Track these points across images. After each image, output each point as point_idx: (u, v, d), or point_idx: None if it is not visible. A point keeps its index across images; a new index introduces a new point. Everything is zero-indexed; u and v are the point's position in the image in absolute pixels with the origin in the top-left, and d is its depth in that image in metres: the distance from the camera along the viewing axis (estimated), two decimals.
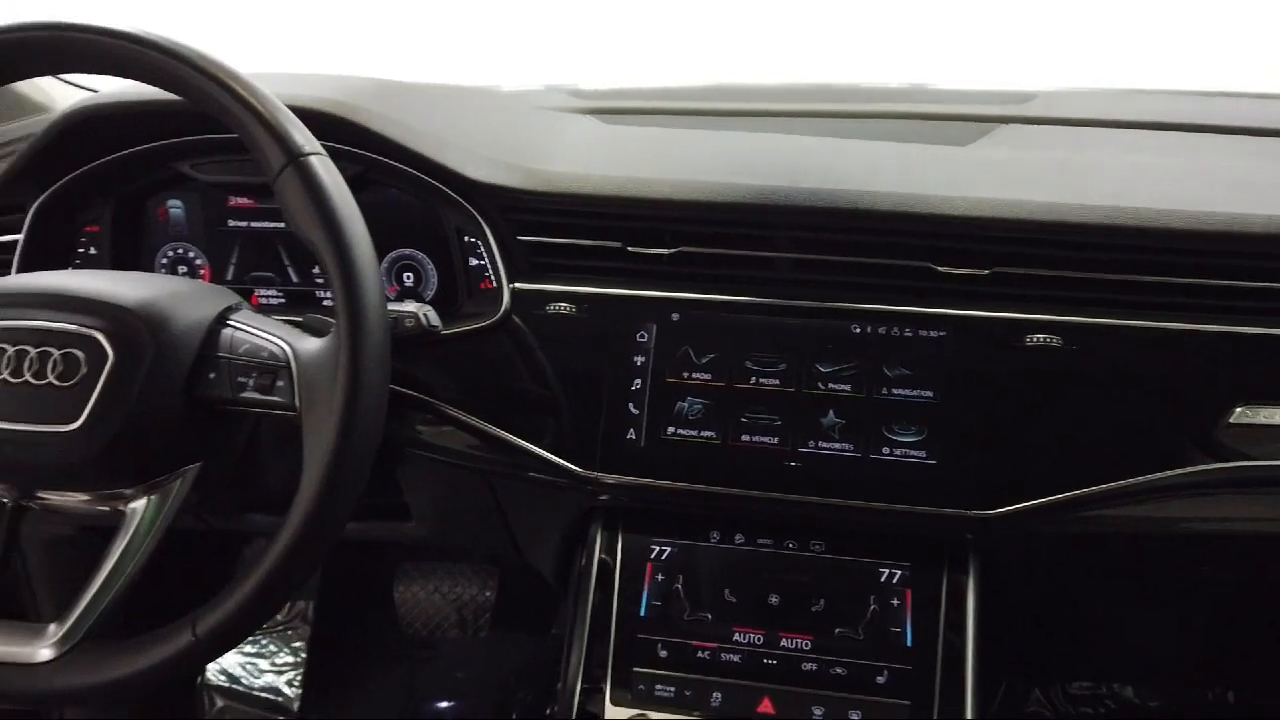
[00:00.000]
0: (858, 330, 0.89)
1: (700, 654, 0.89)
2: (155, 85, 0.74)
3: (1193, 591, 1.05)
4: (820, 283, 0.91)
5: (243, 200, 1.01)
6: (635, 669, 0.89)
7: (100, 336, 0.71)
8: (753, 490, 0.89)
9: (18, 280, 0.78)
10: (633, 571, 0.92)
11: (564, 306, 0.93)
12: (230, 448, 0.82)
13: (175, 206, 1.02)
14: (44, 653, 0.71)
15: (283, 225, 1.01)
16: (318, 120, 0.82)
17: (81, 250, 1.01)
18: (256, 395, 0.73)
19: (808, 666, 0.87)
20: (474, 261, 0.96)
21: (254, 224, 1.02)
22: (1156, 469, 0.84)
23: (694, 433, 0.90)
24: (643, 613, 0.91)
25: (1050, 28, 1.50)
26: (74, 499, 0.78)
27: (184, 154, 0.98)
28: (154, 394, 0.72)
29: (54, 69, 0.79)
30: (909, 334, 0.88)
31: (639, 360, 0.91)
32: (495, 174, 0.94)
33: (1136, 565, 0.99)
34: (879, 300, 0.89)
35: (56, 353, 0.71)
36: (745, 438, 0.89)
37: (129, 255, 1.02)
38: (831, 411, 0.88)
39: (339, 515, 0.70)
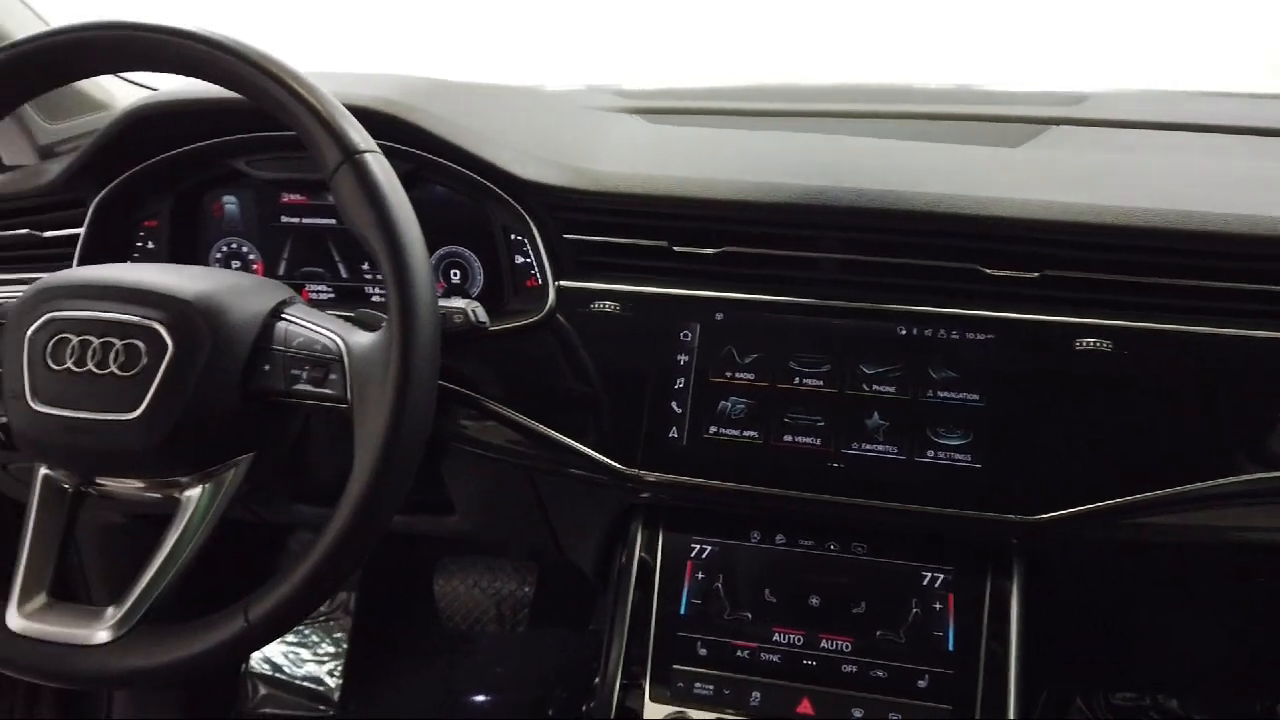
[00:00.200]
0: (903, 332, 0.88)
1: (740, 653, 0.89)
2: (217, 83, 0.76)
3: (1242, 602, 1.03)
4: (865, 284, 0.90)
5: (295, 197, 1.03)
6: (675, 666, 0.89)
7: (161, 328, 0.73)
8: (794, 491, 0.88)
9: (81, 272, 0.80)
10: (673, 569, 0.92)
11: (608, 305, 0.93)
12: (282, 439, 0.83)
13: (230, 202, 1.05)
14: (102, 634, 0.73)
15: (333, 222, 1.03)
16: (371, 118, 0.84)
17: (140, 244, 1.04)
18: (309, 388, 0.74)
19: (848, 668, 0.87)
20: (520, 259, 0.97)
21: (305, 220, 1.04)
22: (1207, 477, 0.82)
23: (736, 432, 0.90)
24: (683, 611, 0.91)
25: (1103, 29, 1.48)
26: (131, 486, 0.80)
27: (240, 151, 1.00)
28: (211, 385, 0.73)
29: (119, 67, 0.81)
30: (955, 336, 0.87)
31: (682, 359, 0.91)
32: (543, 173, 0.95)
33: (1184, 574, 0.98)
34: (925, 302, 0.88)
35: (119, 343, 0.73)
36: (788, 438, 0.89)
37: (186, 249, 1.05)
38: (875, 413, 0.88)
39: (389, 507, 0.72)
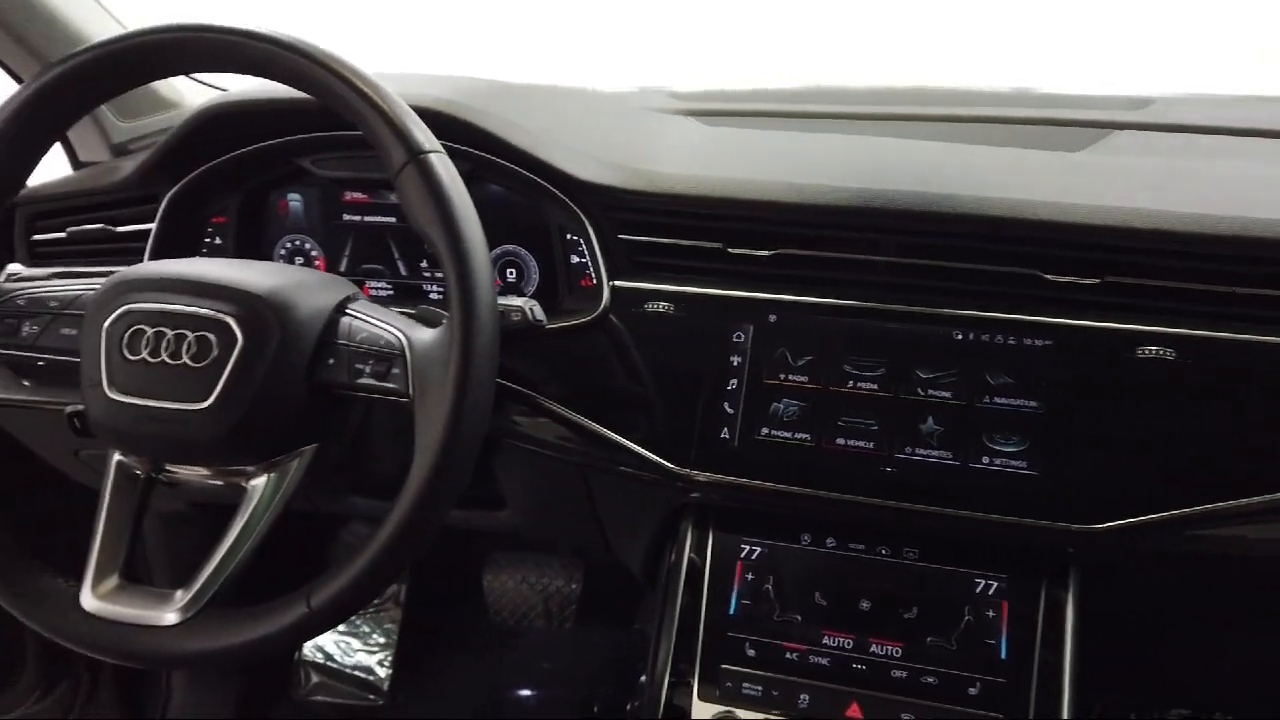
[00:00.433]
0: (959, 336, 0.88)
1: (789, 655, 0.89)
2: (287, 84, 0.78)
3: None
4: (921, 287, 0.90)
5: (357, 195, 1.05)
6: (723, 666, 0.90)
7: (231, 321, 0.75)
8: (846, 494, 0.88)
9: (157, 266, 0.82)
10: (722, 570, 0.93)
11: (662, 305, 0.94)
12: (344, 431, 0.85)
13: (295, 200, 1.07)
14: (170, 617, 0.76)
15: (393, 220, 1.05)
16: (432, 118, 0.85)
17: (208, 239, 1.07)
18: (372, 381, 0.76)
19: (897, 673, 0.87)
20: (575, 259, 0.98)
21: (366, 218, 1.06)
22: (1272, 489, 0.80)
23: (788, 434, 0.90)
24: (732, 611, 0.91)
25: (1168, 32, 1.45)
26: (199, 473, 0.82)
27: (305, 150, 1.03)
28: (278, 376, 0.75)
29: (194, 68, 0.83)
30: (1013, 342, 0.87)
31: (735, 360, 0.92)
32: (599, 173, 0.96)
33: (1247, 588, 0.95)
34: (982, 306, 0.88)
35: (191, 335, 0.75)
36: (840, 441, 0.89)
37: (251, 245, 1.08)
38: (930, 418, 0.87)
39: (448, 499, 0.73)
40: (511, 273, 1.03)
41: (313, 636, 0.78)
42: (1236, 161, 0.97)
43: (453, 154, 0.77)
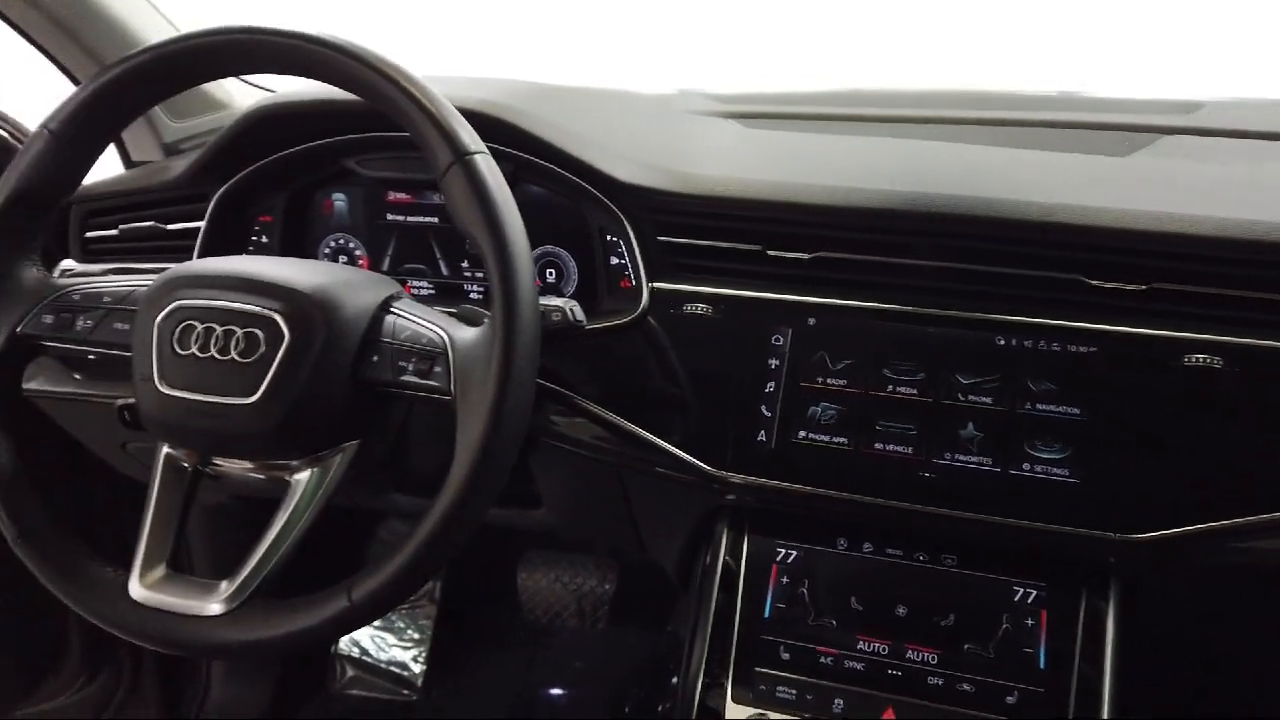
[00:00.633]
0: (1001, 342, 0.87)
1: (823, 659, 0.89)
2: (336, 85, 0.79)
3: None
4: (963, 292, 0.89)
5: (400, 196, 1.07)
6: (757, 669, 0.90)
7: (279, 318, 0.76)
8: (883, 499, 0.88)
9: (206, 264, 0.84)
10: (758, 572, 0.93)
11: (701, 307, 0.94)
12: (386, 428, 0.86)
13: (339, 200, 1.09)
14: (215, 607, 0.77)
15: (436, 220, 1.06)
16: (477, 120, 0.86)
17: (255, 238, 1.09)
18: (415, 379, 0.77)
19: (933, 680, 0.86)
20: (615, 260, 0.98)
21: (409, 218, 1.07)
22: None
23: (826, 438, 0.90)
24: (766, 614, 0.91)
25: (1218, 36, 1.42)
26: (244, 467, 0.84)
27: (351, 151, 1.04)
28: (323, 373, 0.76)
29: (245, 70, 0.85)
30: (1056, 348, 0.86)
31: (773, 363, 0.92)
32: (640, 175, 0.96)
33: None
34: (1025, 312, 0.87)
35: (239, 331, 0.77)
36: (878, 445, 0.88)
37: (296, 243, 1.10)
38: (970, 424, 0.87)
39: (487, 497, 0.74)
40: (551, 273, 1.04)
41: (353, 630, 0.78)
42: None
43: (496, 155, 0.78)
